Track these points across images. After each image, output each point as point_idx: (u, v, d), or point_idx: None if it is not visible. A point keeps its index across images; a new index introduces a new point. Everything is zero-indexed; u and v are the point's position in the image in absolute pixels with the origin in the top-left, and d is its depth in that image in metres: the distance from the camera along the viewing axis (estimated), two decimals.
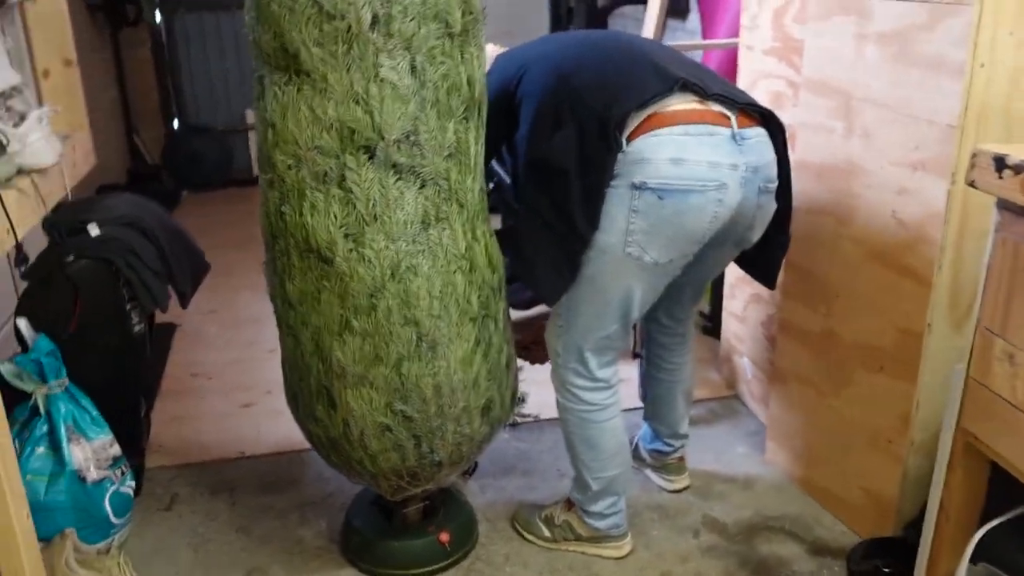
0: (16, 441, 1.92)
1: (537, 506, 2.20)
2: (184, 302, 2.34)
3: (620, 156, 1.69)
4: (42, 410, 1.92)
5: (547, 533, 2.12)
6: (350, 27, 1.54)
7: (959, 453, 1.62)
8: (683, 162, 1.67)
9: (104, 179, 4.64)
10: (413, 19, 1.58)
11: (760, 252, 1.97)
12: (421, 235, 1.68)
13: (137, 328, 2.17)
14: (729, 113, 1.73)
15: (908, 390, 1.94)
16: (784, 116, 2.36)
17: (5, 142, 1.77)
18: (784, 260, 2.23)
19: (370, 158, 1.62)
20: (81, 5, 4.59)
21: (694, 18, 4.15)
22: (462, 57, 1.66)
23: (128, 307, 2.13)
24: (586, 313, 1.86)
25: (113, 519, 1.98)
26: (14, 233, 1.61)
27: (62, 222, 2.09)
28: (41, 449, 1.91)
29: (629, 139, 1.70)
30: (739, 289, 2.77)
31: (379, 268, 1.66)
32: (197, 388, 2.96)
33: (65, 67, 2.28)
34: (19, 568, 1.49)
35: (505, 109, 1.93)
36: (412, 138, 1.62)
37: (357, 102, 1.58)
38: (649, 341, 2.27)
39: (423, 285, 1.68)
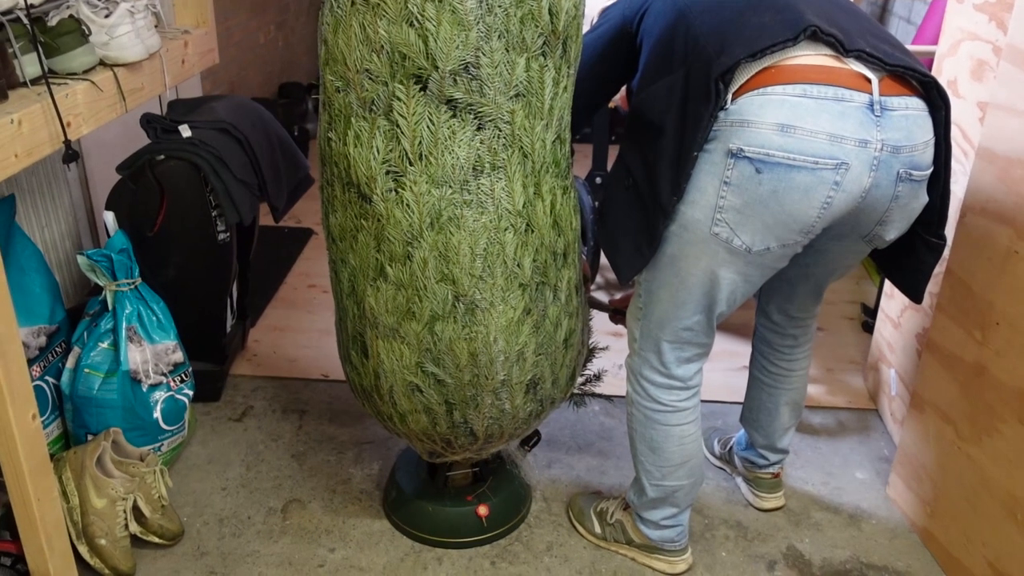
0: (85, 333, 1.95)
1: (597, 496, 1.98)
2: (277, 216, 2.27)
3: (721, 115, 1.39)
4: (109, 306, 1.93)
5: (598, 529, 1.91)
6: None
7: None
8: (794, 130, 1.33)
9: (293, 76, 4.75)
10: None
11: (906, 256, 1.60)
12: (471, 183, 1.47)
13: (223, 236, 2.13)
14: (871, 75, 1.36)
15: None
16: (982, 90, 1.92)
17: (87, 32, 1.72)
18: (942, 264, 1.83)
19: (422, 89, 1.42)
20: None
21: None
22: None
23: (213, 214, 2.08)
24: (664, 299, 1.59)
25: (163, 424, 1.98)
26: (62, 126, 1.56)
27: (160, 120, 2.07)
28: (104, 344, 1.92)
29: (735, 95, 1.38)
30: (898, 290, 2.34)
31: (418, 214, 1.47)
32: (309, 300, 2.94)
33: None
34: (19, 471, 1.48)
35: (625, 49, 1.67)
36: (472, 71, 1.40)
37: (411, 23, 1.38)
38: (756, 336, 1.95)
39: (465, 240, 1.48)
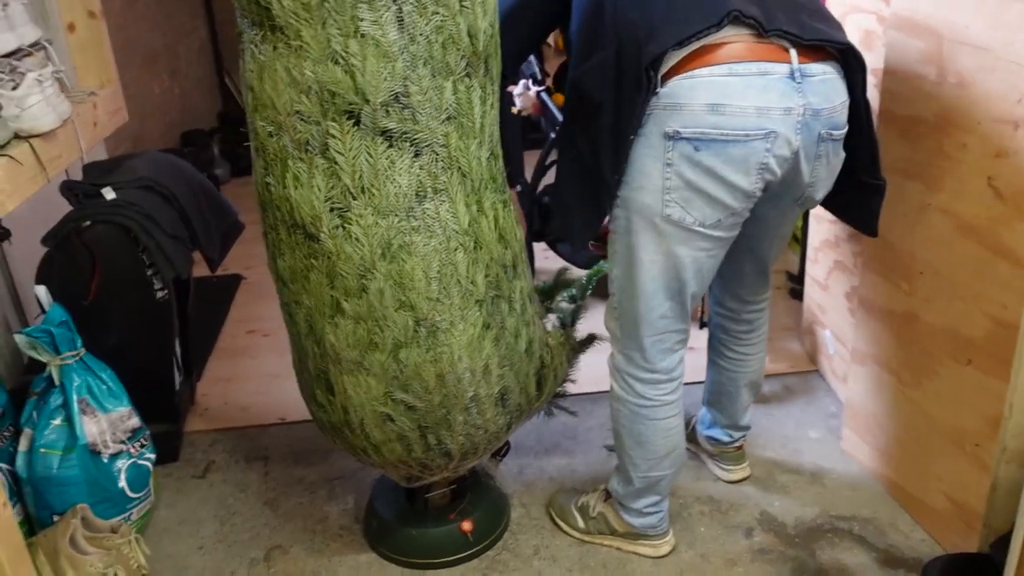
0: (34, 413, 1.90)
1: (574, 493, 2.03)
2: (212, 266, 2.25)
3: (653, 99, 1.46)
4: (56, 381, 1.88)
5: (582, 524, 1.95)
6: None
7: None
8: (723, 108, 1.42)
9: (193, 124, 4.66)
10: None
11: (857, 199, 1.69)
12: (416, 209, 1.49)
13: (160, 294, 2.10)
14: (790, 47, 1.45)
15: (1000, 389, 1.64)
16: (872, 58, 2.03)
17: None
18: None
19: (355, 124, 1.44)
20: None
21: None
22: (460, 5, 1.44)
23: (149, 273, 2.05)
24: (636, 291, 1.64)
25: (130, 493, 1.94)
26: None
27: (79, 185, 2.03)
28: (56, 421, 1.87)
29: (665, 78, 1.45)
30: (822, 254, 2.46)
31: (368, 247, 1.49)
32: (251, 346, 2.91)
33: (90, 19, 2.19)
34: None
35: None
36: (402, 100, 1.43)
37: (336, 61, 1.40)
38: (712, 324, 2.02)
39: (418, 265, 1.51)
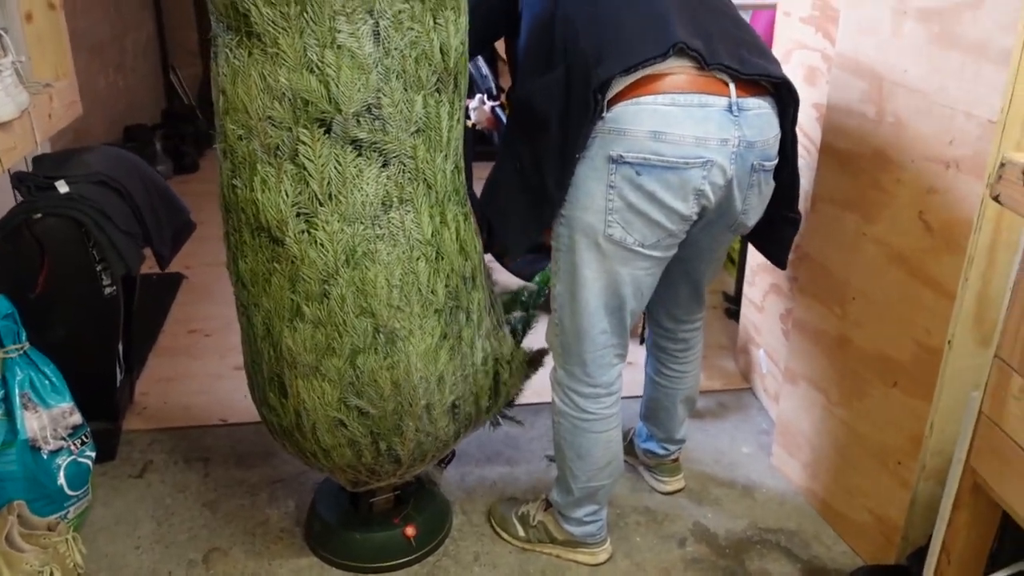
0: None
1: (515, 502, 2.07)
2: (163, 263, 2.24)
3: (599, 123, 1.53)
4: None
5: (522, 533, 2.00)
6: None
7: (966, 492, 1.44)
8: (664, 135, 1.50)
9: (137, 119, 4.59)
10: None
11: (770, 231, 1.79)
12: (381, 218, 1.53)
13: (108, 290, 2.08)
14: (729, 81, 1.53)
15: (922, 410, 1.75)
16: (815, 94, 2.15)
17: None
18: (800, 250, 2.06)
19: (326, 132, 1.47)
20: None
21: None
22: (435, 23, 1.49)
23: (98, 268, 2.03)
24: (577, 308, 1.70)
25: (68, 491, 1.91)
26: None
27: (32, 177, 2.00)
28: None
29: (611, 103, 1.52)
30: (759, 276, 2.57)
31: (332, 253, 1.52)
32: (192, 346, 2.89)
33: (49, 10, 2.17)
34: None
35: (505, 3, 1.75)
36: (374, 111, 1.47)
37: (311, 70, 1.43)
38: (649, 342, 2.10)
39: (381, 272, 1.54)
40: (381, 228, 1.53)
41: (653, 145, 1.50)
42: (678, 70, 1.52)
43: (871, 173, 1.84)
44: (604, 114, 1.52)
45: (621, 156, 1.52)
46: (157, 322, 2.99)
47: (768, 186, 1.66)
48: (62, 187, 1.97)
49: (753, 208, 1.67)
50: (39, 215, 1.95)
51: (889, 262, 1.81)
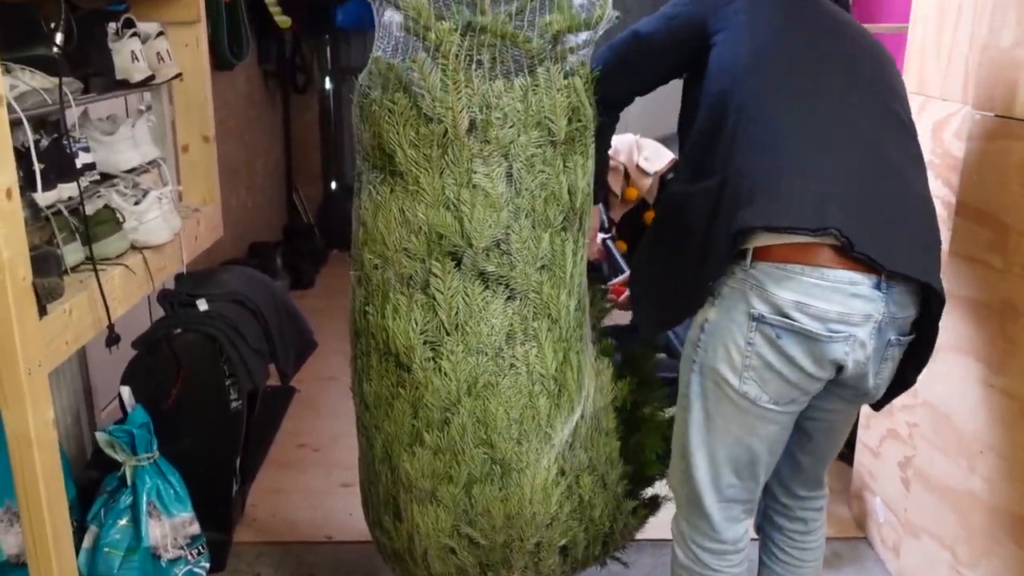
0: (102, 511, 1.95)
1: None
2: (285, 380, 2.33)
3: (739, 270, 1.49)
4: (128, 482, 1.94)
5: None
6: (446, 131, 1.49)
7: None
8: (808, 308, 1.45)
9: (261, 236, 4.86)
10: (512, 126, 1.50)
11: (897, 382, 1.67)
12: (505, 351, 1.58)
13: (234, 405, 2.17)
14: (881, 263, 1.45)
15: None
16: None
17: (122, 219, 1.82)
18: (921, 397, 1.99)
19: (456, 265, 1.54)
20: (258, 71, 4.87)
21: None
22: (564, 165, 1.57)
23: (227, 383, 2.14)
24: (706, 459, 1.63)
25: None
26: (107, 314, 1.63)
27: (175, 295, 2.14)
28: (123, 522, 1.92)
29: (756, 255, 1.47)
30: (875, 420, 2.49)
31: (455, 381, 1.57)
32: (301, 460, 2.95)
33: (203, 143, 2.37)
34: None
35: (690, 47, 1.62)
36: (502, 246, 1.54)
37: (447, 207, 1.52)
38: (765, 520, 1.93)
39: (501, 405, 1.57)
40: (504, 361, 1.58)
41: (796, 314, 1.45)
42: (830, 241, 1.44)
43: (997, 322, 1.80)
44: (747, 265, 1.47)
45: (763, 316, 1.47)
46: (270, 434, 3.08)
47: (896, 361, 1.58)
48: (202, 305, 2.11)
49: (884, 381, 1.60)
50: (178, 330, 2.08)
51: (1020, 416, 1.74)
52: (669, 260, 1.63)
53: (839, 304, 1.45)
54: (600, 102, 1.65)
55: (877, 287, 1.46)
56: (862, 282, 1.45)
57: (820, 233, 1.42)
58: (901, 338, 1.54)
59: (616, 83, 1.66)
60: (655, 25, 1.65)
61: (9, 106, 1.43)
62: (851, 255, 1.43)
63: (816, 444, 1.77)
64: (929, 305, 1.53)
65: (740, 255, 1.49)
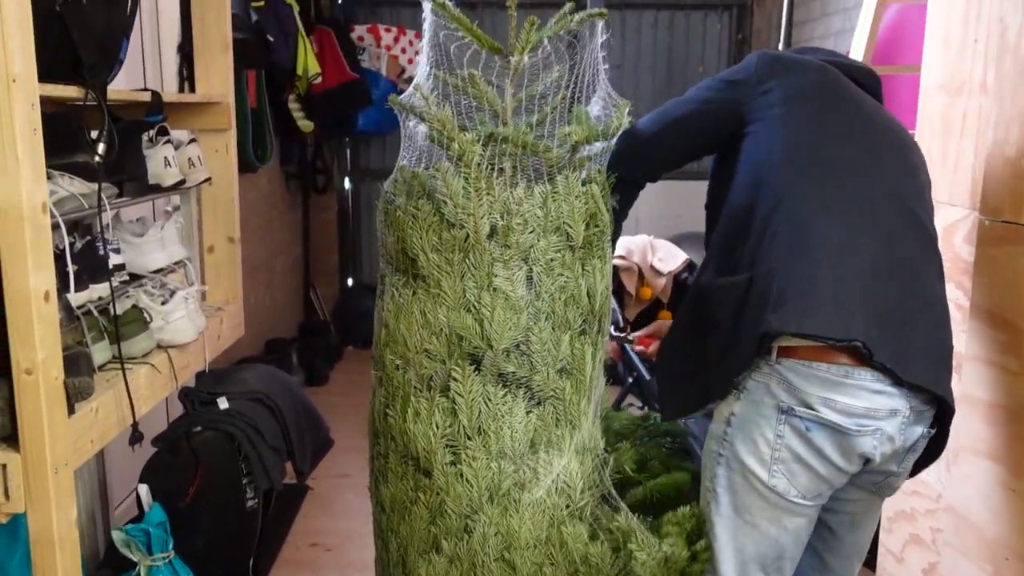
0: None
1: None
2: (301, 478, 2.33)
3: (766, 366, 1.52)
4: None
5: None
6: (468, 236, 1.54)
7: None
8: (835, 403, 1.48)
9: (278, 332, 4.91)
10: (532, 231, 1.55)
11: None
12: (528, 457, 1.58)
13: (251, 503, 2.17)
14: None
15: None
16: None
17: (149, 319, 1.86)
18: (944, 501, 1.97)
19: (476, 368, 1.57)
20: (280, 172, 5.01)
21: None
22: (583, 269, 1.61)
23: (244, 481, 2.14)
24: (734, 553, 1.63)
25: None
26: (132, 412, 1.65)
27: (195, 393, 2.17)
28: None
29: (783, 352, 1.50)
30: (897, 524, 2.45)
31: (477, 488, 1.56)
32: (314, 560, 2.92)
33: (228, 243, 2.43)
34: None
35: (724, 133, 1.66)
36: (522, 348, 1.57)
37: (468, 309, 1.55)
38: None
39: (525, 524, 1.55)
40: (528, 469, 1.57)
41: (824, 409, 1.48)
42: (853, 346, 1.48)
43: (1015, 426, 1.80)
44: (772, 360, 1.51)
45: (792, 409, 1.50)
46: (282, 532, 3.05)
47: (919, 453, 1.60)
48: (223, 403, 2.13)
49: (906, 471, 1.61)
50: (199, 428, 2.10)
51: None
52: (693, 349, 1.66)
53: (865, 400, 1.48)
54: (621, 179, 1.68)
55: (897, 385, 1.49)
56: (883, 380, 1.49)
57: (845, 343, 1.46)
58: (930, 431, 1.56)
59: (643, 162, 1.72)
60: (689, 108, 1.69)
61: (49, 211, 1.49)
62: (871, 361, 1.47)
63: (840, 541, 1.77)
64: (942, 410, 1.57)
65: (766, 350, 1.52)
